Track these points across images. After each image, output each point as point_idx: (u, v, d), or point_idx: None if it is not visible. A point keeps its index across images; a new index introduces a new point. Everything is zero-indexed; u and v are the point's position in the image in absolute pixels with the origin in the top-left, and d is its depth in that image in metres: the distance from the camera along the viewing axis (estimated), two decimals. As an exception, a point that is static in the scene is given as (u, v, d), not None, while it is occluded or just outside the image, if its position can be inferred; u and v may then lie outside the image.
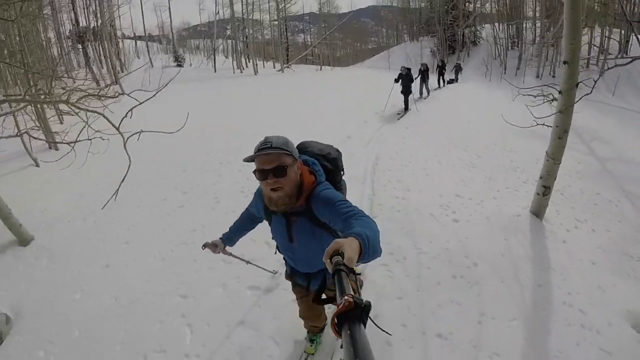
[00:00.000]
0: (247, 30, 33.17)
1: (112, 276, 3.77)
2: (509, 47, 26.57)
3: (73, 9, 20.85)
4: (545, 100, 4.59)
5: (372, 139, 8.23)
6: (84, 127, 3.70)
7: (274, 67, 30.81)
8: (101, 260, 4.06)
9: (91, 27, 22.96)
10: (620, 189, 6.17)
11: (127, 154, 2.96)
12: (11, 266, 4.17)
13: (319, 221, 1.67)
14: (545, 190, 4.41)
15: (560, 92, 3.93)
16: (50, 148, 8.51)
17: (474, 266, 3.59)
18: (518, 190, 5.56)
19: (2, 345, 3.02)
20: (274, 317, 2.92)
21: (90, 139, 3.98)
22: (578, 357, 2.64)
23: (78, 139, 3.90)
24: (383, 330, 0.92)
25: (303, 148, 1.94)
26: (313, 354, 2.58)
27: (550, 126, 4.21)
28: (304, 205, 1.67)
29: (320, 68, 31.77)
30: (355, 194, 5.14)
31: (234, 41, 30.00)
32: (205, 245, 2.22)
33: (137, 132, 2.97)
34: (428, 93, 13.87)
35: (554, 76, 19.95)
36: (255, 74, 24.70)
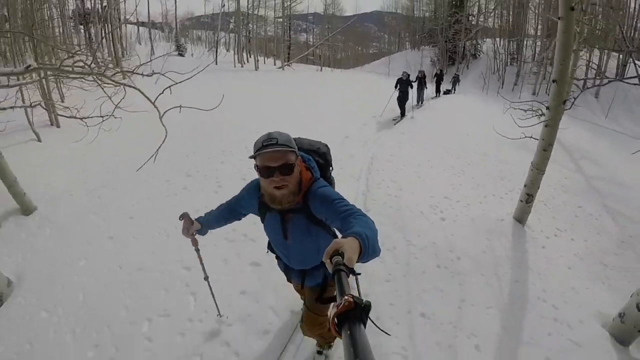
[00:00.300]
0: (250, 25, 33.27)
1: (117, 247, 3.96)
2: (508, 63, 27.03)
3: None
4: (534, 115, 4.89)
5: (369, 141, 8.48)
6: (103, 102, 3.86)
7: (275, 64, 30.92)
8: (105, 232, 4.24)
9: (96, 8, 22.90)
10: (602, 205, 6.52)
11: (164, 126, 3.10)
12: (13, 234, 4.32)
13: (315, 218, 1.66)
14: (528, 197, 4.71)
15: (547, 108, 4.23)
16: (52, 125, 8.66)
17: (457, 260, 3.88)
18: (504, 197, 5.86)
19: (3, 307, 3.18)
20: (273, 290, 3.13)
21: (102, 117, 4.13)
22: (549, 345, 2.90)
23: (91, 115, 4.10)
24: (382, 331, 0.93)
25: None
26: None
27: (537, 139, 4.50)
28: (301, 202, 1.65)
29: (321, 69, 31.91)
30: (351, 190, 5.42)
31: (236, 35, 30.09)
32: (182, 216, 2.10)
33: (177, 107, 3.17)
34: (422, 102, 13.92)
35: (548, 93, 20.17)
36: (256, 70, 24.81)
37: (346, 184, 5.60)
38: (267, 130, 1.62)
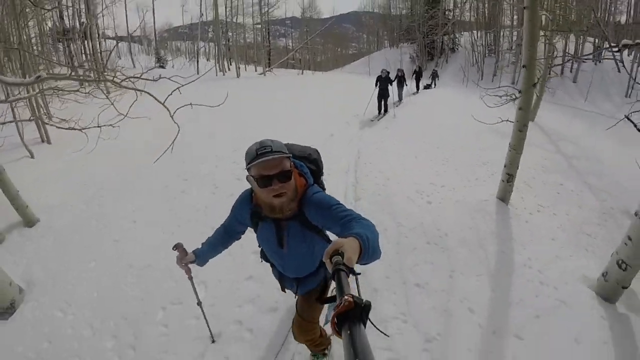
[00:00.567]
0: (230, 33, 33.35)
1: (123, 249, 4.15)
2: (486, 54, 27.54)
3: (58, 5, 20.63)
4: (509, 100, 5.19)
5: (355, 138, 8.73)
6: (102, 110, 4.05)
7: (256, 71, 31.06)
8: (110, 237, 4.42)
9: (78, 25, 22.83)
10: (583, 182, 6.82)
11: (176, 123, 3.28)
12: (19, 244, 4.47)
13: (310, 224, 1.64)
14: (509, 177, 5.00)
15: (520, 92, 4.53)
16: (42, 141, 8.75)
17: (445, 236, 4.17)
18: (486, 180, 6.13)
19: (17, 312, 3.32)
20: (278, 274, 3.37)
21: (100, 126, 4.33)
22: (538, 305, 3.16)
23: (90, 126, 4.28)
24: (381, 332, 0.94)
25: None
26: None
27: (513, 122, 4.80)
28: (296, 209, 1.63)
29: (302, 72, 32.10)
30: (340, 183, 5.66)
31: (216, 44, 30.17)
32: (176, 247, 2.08)
33: (188, 104, 3.38)
34: (401, 100, 14.05)
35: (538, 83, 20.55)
36: (238, 77, 24.95)
37: (336, 177, 5.83)
38: (250, 134, 1.67)
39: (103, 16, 23.79)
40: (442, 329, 2.80)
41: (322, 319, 2.25)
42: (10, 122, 4.96)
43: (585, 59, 18.05)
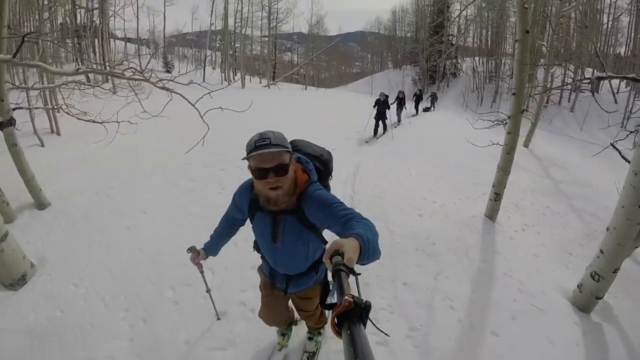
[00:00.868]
0: (236, 44, 33.98)
1: (135, 235, 4.42)
2: (487, 81, 28.21)
3: (72, 2, 21.14)
4: (500, 124, 5.56)
5: (354, 153, 9.14)
6: (127, 104, 4.37)
7: (260, 82, 31.64)
8: (122, 224, 4.69)
9: (89, 22, 23.30)
10: (569, 205, 7.13)
11: (206, 123, 3.66)
12: (29, 224, 4.68)
13: (308, 222, 1.65)
14: (496, 196, 5.34)
15: (509, 117, 4.91)
16: (52, 132, 9.09)
17: (433, 244, 4.49)
18: (476, 199, 6.45)
19: (28, 284, 3.52)
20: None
21: (118, 122, 4.64)
22: (514, 309, 3.45)
23: (110, 120, 4.59)
24: (382, 332, 0.95)
25: (295, 147, 1.89)
26: (287, 346, 2.72)
27: (502, 145, 5.17)
28: (295, 204, 1.64)
29: (305, 87, 32.74)
30: (339, 193, 5.96)
31: (223, 53, 30.76)
32: (190, 250, 2.26)
33: (218, 108, 3.74)
34: (399, 121, 14.24)
35: (527, 110, 20.81)
36: (243, 88, 25.44)
37: (334, 187, 6.09)
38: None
39: (115, 17, 24.19)
40: (424, 321, 3.11)
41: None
42: (38, 108, 5.26)
43: (565, 89, 18.46)
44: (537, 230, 5.71)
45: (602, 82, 20.51)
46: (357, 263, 1.03)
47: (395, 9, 41.05)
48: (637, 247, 4.59)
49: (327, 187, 2.03)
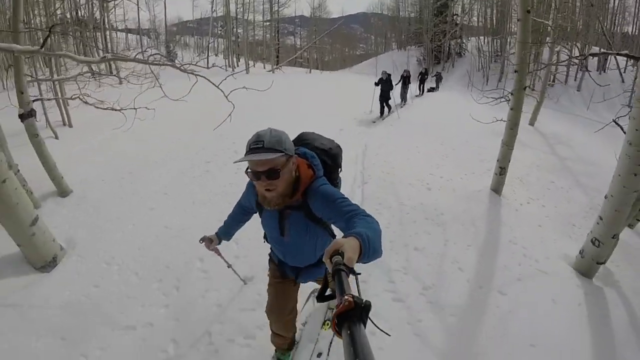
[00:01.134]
0: (241, 30, 33.88)
1: (158, 215, 4.68)
2: (493, 60, 28.02)
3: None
4: (503, 100, 5.72)
5: (361, 133, 9.35)
6: (146, 88, 4.60)
7: (264, 68, 31.63)
8: (145, 206, 4.97)
9: (91, 15, 23.37)
10: (574, 180, 7.31)
11: (231, 102, 3.75)
12: (54, 210, 4.90)
13: (314, 216, 1.66)
14: (501, 170, 5.52)
15: (511, 94, 5.07)
16: (64, 124, 9.35)
17: (441, 214, 4.74)
18: (482, 175, 6.60)
19: (60, 265, 3.74)
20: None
21: (135, 109, 4.83)
22: (519, 271, 3.69)
23: (128, 107, 4.80)
24: (383, 331, 0.94)
25: (303, 140, 1.92)
26: None
27: (505, 121, 5.33)
28: (300, 199, 1.65)
29: (310, 71, 32.68)
30: (350, 170, 6.25)
31: (225, 40, 30.70)
32: (202, 240, 2.31)
33: (242, 87, 3.88)
34: (405, 101, 14.29)
35: (533, 89, 20.52)
36: (247, 73, 25.46)
37: (346, 166, 6.32)
38: (270, 123, 1.74)
39: (115, 8, 24.22)
40: (436, 281, 3.38)
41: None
42: (57, 98, 5.46)
43: (561, 65, 18.27)
44: (542, 204, 5.88)
45: (608, 61, 20.46)
46: (357, 262, 1.03)
47: (399, -12, 40.54)
48: (637, 219, 4.84)
49: (337, 181, 2.04)
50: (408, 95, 14.55)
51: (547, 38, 13.14)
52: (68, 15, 22.81)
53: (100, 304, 3.19)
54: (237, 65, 30.12)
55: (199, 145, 7.51)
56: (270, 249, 2.14)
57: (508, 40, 27.10)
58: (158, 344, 2.72)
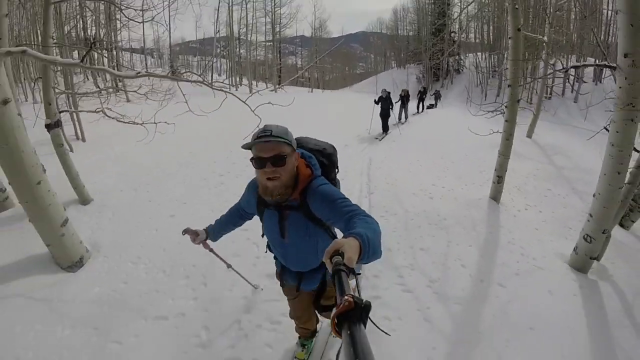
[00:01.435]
0: (240, 50, 34.59)
1: (179, 221, 4.95)
2: (490, 76, 28.66)
3: (81, 16, 21.79)
4: (499, 113, 6.10)
5: (365, 148, 9.82)
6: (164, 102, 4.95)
7: (267, 87, 32.21)
8: (165, 213, 5.26)
9: (99, 36, 23.97)
10: (571, 188, 7.60)
11: (257, 116, 4.02)
12: (77, 217, 5.07)
13: (313, 216, 1.66)
14: (499, 179, 5.87)
15: (506, 107, 5.45)
16: (77, 139, 9.70)
17: (444, 220, 5.07)
18: (482, 185, 6.95)
19: (86, 265, 3.98)
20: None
21: (156, 123, 5.19)
22: (518, 267, 3.99)
23: (149, 121, 5.15)
24: (383, 331, 0.95)
25: (298, 143, 1.90)
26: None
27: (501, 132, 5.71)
28: (299, 199, 1.66)
29: (312, 90, 33.28)
30: (356, 181, 6.63)
31: (228, 60, 31.34)
32: (185, 231, 2.24)
33: (268, 103, 4.36)
34: (406, 118, 14.85)
35: (530, 103, 21.03)
36: (250, 92, 25.92)
37: (352, 178, 6.85)
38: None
39: (121, 30, 24.82)
40: (440, 276, 3.70)
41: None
42: (83, 111, 5.78)
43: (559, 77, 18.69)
44: (539, 210, 6.18)
45: (604, 72, 20.87)
46: (357, 262, 1.03)
47: (397, 8, 41.61)
48: (632, 220, 5.14)
49: (335, 181, 2.06)
50: (408, 113, 15.01)
51: (543, 52, 13.60)
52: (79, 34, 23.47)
53: (130, 298, 3.45)
54: (241, 85, 30.70)
55: (209, 159, 7.89)
56: (274, 257, 2.14)
57: (505, 55, 27.68)
58: (191, 331, 3.00)
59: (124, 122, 5.77)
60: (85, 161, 7.71)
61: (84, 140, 9.75)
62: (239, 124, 4.13)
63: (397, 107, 13.16)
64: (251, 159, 1.59)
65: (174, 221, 5.01)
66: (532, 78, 11.78)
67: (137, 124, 5.45)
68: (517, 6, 4.86)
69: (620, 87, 3.30)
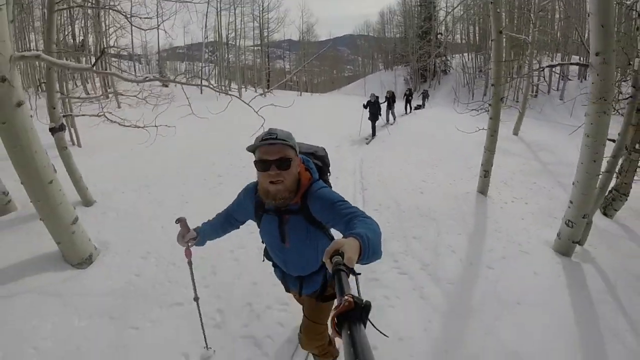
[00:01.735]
0: (229, 55, 34.64)
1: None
2: (477, 76, 29.20)
3: (71, 24, 21.79)
4: (484, 111, 6.43)
5: (357, 149, 10.15)
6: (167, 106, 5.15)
7: (256, 92, 32.25)
8: (169, 212, 5.41)
9: (89, 43, 23.97)
10: (556, 181, 7.89)
11: (261, 116, 4.20)
12: (81, 218, 4.82)
13: (313, 219, 1.65)
14: (485, 173, 6.21)
15: (490, 105, 5.79)
16: (73, 144, 9.81)
17: (434, 212, 5.42)
18: (470, 180, 7.23)
19: (95, 262, 4.09)
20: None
21: (157, 126, 5.42)
22: (504, 252, 4.33)
23: (150, 124, 5.36)
24: (381, 332, 0.95)
25: None
26: None
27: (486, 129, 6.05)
28: (299, 202, 1.66)
29: (300, 94, 33.47)
30: (349, 179, 6.93)
31: (216, 65, 31.42)
32: (179, 221, 2.04)
33: (270, 105, 4.56)
34: (394, 119, 15.10)
35: (517, 101, 21.10)
36: (240, 97, 26.04)
37: (346, 176, 7.16)
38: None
39: (109, 36, 24.80)
40: (433, 260, 4.03)
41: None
42: (85, 115, 5.94)
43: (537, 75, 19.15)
44: (525, 202, 6.47)
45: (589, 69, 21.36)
46: (357, 263, 1.04)
47: (384, 10, 41.94)
48: (614, 209, 5.47)
49: (328, 182, 2.03)
50: (395, 114, 15.29)
51: (527, 52, 14.03)
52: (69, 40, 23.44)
53: (144, 289, 3.62)
54: (230, 89, 30.72)
55: (208, 161, 8.15)
56: (272, 265, 2.15)
57: (491, 55, 28.14)
58: (206, 314, 3.19)
59: (124, 125, 5.94)
60: (81, 166, 7.80)
61: (79, 145, 9.87)
62: (238, 127, 4.34)
63: (383, 107, 13.45)
64: (255, 162, 1.59)
65: (178, 220, 5.19)
66: (512, 77, 12.22)
67: (139, 127, 5.64)
68: (499, 10, 5.19)
69: (593, 83, 3.64)
